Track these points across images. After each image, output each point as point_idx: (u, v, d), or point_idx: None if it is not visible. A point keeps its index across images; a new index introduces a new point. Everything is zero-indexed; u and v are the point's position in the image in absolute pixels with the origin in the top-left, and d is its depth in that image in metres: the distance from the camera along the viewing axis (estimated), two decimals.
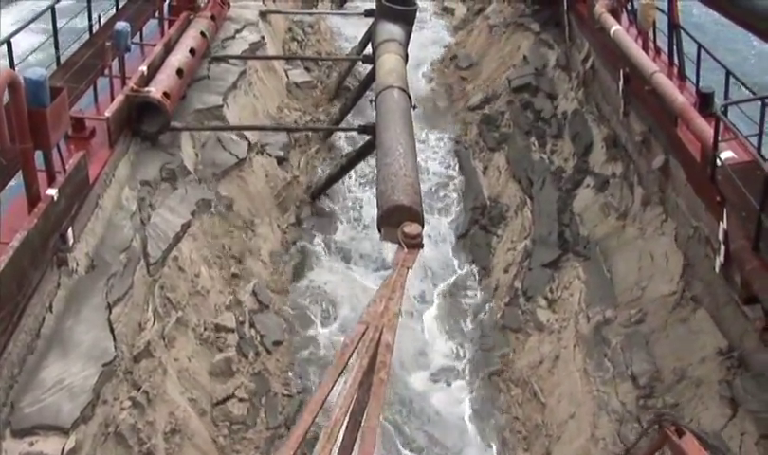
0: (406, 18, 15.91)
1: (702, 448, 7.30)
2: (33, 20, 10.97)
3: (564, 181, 14.45)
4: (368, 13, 18.31)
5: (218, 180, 13.12)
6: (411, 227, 7.56)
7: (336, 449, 5.66)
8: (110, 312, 9.01)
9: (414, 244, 7.54)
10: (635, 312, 11.10)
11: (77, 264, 9.01)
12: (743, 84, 10.13)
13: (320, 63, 20.26)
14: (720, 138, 9.33)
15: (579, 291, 12.15)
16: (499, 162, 16.32)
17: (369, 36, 17.25)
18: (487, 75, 19.65)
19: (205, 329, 10.87)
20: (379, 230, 9.96)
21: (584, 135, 14.72)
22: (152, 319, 9.88)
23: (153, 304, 10.04)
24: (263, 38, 17.42)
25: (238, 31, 16.83)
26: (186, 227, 11.52)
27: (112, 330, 8.88)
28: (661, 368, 10.19)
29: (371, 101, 13.58)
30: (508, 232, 14.49)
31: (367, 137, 14.11)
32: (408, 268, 7.39)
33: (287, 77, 18.65)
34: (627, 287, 11.56)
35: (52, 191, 8.54)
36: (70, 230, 8.86)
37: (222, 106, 14.13)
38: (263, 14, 18.69)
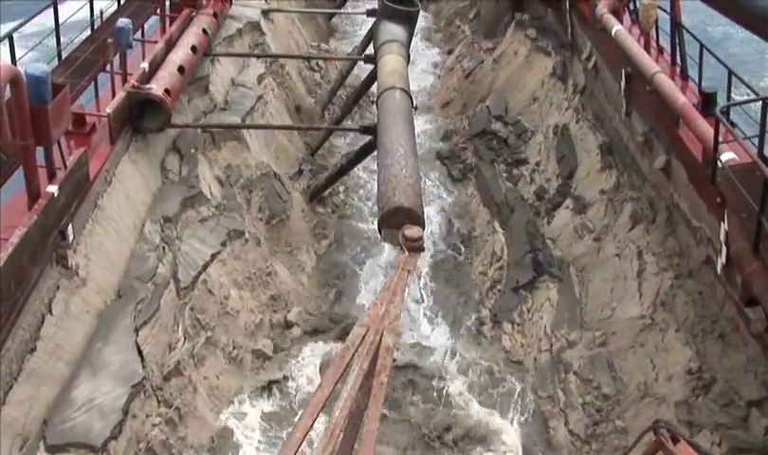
0: (408, 19, 15.91)
1: None
2: (36, 15, 10.93)
3: (545, 201, 14.52)
4: (370, 13, 18.31)
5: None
6: (412, 231, 7.55)
7: (335, 451, 5.65)
8: (137, 335, 9.25)
9: (415, 247, 7.54)
10: (600, 334, 11.27)
11: (77, 266, 8.99)
12: (746, 84, 10.04)
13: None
14: (722, 139, 9.31)
15: (548, 314, 12.21)
16: (467, 191, 16.33)
17: (370, 36, 17.24)
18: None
19: (234, 348, 11.10)
20: (380, 232, 9.97)
21: (570, 159, 14.72)
22: (182, 340, 10.16)
23: (183, 325, 10.32)
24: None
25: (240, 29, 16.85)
26: (216, 254, 11.78)
27: (140, 352, 9.14)
28: (622, 388, 10.43)
29: (372, 102, 13.60)
30: (481, 256, 14.34)
31: (368, 138, 14.11)
32: (409, 271, 7.38)
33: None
34: (597, 307, 11.73)
35: (53, 188, 8.50)
36: (70, 227, 8.83)
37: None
38: (265, 12, 18.67)
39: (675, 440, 7.38)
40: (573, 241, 13.27)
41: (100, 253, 9.58)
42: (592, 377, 10.74)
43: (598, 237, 12.80)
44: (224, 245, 12.03)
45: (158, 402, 9.13)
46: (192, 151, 12.62)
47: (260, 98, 15.65)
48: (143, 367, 9.00)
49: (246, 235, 12.63)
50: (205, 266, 11.34)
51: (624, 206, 12.62)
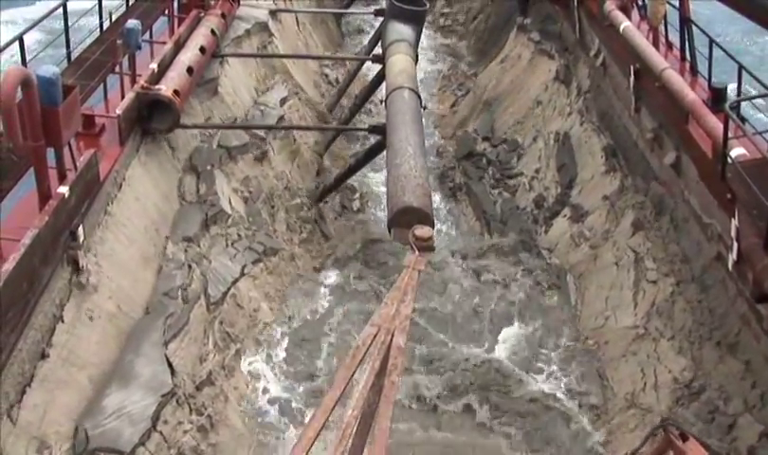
0: (416, 19, 15.89)
1: (705, 453, 7.29)
2: (45, 17, 10.98)
3: (544, 209, 14.47)
4: (378, 13, 18.30)
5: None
6: (422, 231, 7.51)
7: (347, 451, 5.64)
8: (166, 347, 9.46)
9: (426, 247, 7.50)
10: (593, 343, 11.30)
11: (89, 272, 9.04)
12: (757, 79, 9.93)
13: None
14: (732, 135, 9.24)
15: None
16: (460, 207, 16.29)
17: (378, 36, 17.23)
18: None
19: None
20: (389, 231, 9.98)
21: (570, 167, 14.65)
22: (212, 352, 10.36)
23: (213, 338, 10.52)
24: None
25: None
26: (246, 270, 11.98)
27: (170, 364, 9.34)
28: (611, 397, 10.50)
29: (380, 101, 13.60)
30: None
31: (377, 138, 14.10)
32: (419, 271, 7.35)
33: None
34: (592, 316, 11.78)
35: (63, 189, 8.53)
36: (81, 228, 8.86)
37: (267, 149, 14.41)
38: (273, 13, 18.67)
39: (684, 438, 7.38)
40: (570, 249, 13.26)
41: (111, 259, 9.66)
42: (582, 389, 10.80)
43: (596, 244, 12.80)
44: (255, 262, 12.23)
45: (190, 410, 9.32)
46: (209, 167, 12.67)
47: (281, 117, 15.61)
48: (173, 378, 9.23)
49: (277, 253, 12.82)
50: (234, 282, 11.55)
51: (626, 212, 12.61)
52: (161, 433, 8.70)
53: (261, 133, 14.41)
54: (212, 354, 10.34)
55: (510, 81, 18.62)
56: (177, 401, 9.11)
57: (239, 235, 12.35)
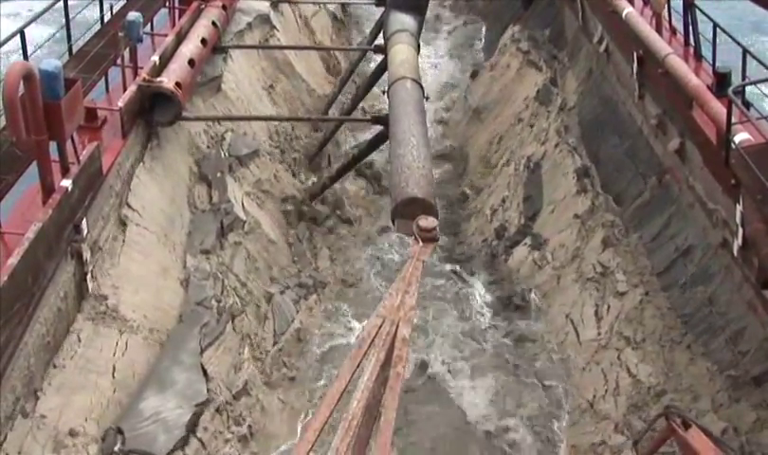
0: (418, 8, 15.85)
1: (708, 440, 7.33)
2: (46, 10, 10.95)
3: (504, 240, 14.46)
4: (379, 2, 18.23)
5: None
6: (426, 221, 7.50)
7: (353, 442, 5.65)
8: (202, 355, 9.62)
9: (430, 237, 7.49)
10: (557, 357, 11.57)
11: (99, 283, 9.15)
12: (762, 63, 9.78)
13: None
14: (737, 120, 9.15)
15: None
16: None
17: (380, 26, 17.17)
18: None
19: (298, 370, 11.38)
20: (393, 222, 9.96)
21: (536, 200, 14.63)
22: (248, 361, 10.50)
23: (249, 348, 10.70)
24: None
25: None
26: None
27: (205, 373, 9.47)
28: (574, 407, 10.74)
29: (383, 92, 13.57)
30: None
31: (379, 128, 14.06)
32: (423, 262, 7.35)
33: None
34: (554, 331, 12.04)
35: (66, 182, 8.54)
36: (84, 221, 8.87)
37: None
38: (274, 4, 18.62)
39: (687, 425, 7.42)
40: (533, 272, 13.36)
41: (128, 277, 9.75)
42: (542, 401, 10.96)
43: (562, 265, 12.92)
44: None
45: (228, 418, 9.46)
46: (219, 174, 12.69)
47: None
48: (207, 389, 9.35)
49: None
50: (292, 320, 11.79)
51: (596, 230, 12.72)
52: (200, 440, 8.86)
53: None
54: (248, 364, 10.42)
55: (499, 90, 18.52)
56: (217, 410, 9.27)
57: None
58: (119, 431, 8.29)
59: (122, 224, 10.05)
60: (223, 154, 13.28)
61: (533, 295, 12.86)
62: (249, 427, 9.63)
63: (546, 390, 11.20)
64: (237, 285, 11.38)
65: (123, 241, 9.95)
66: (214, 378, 9.55)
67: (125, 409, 8.55)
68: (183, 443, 8.60)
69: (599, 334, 11.37)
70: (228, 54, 15.15)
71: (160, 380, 9.06)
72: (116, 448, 8.09)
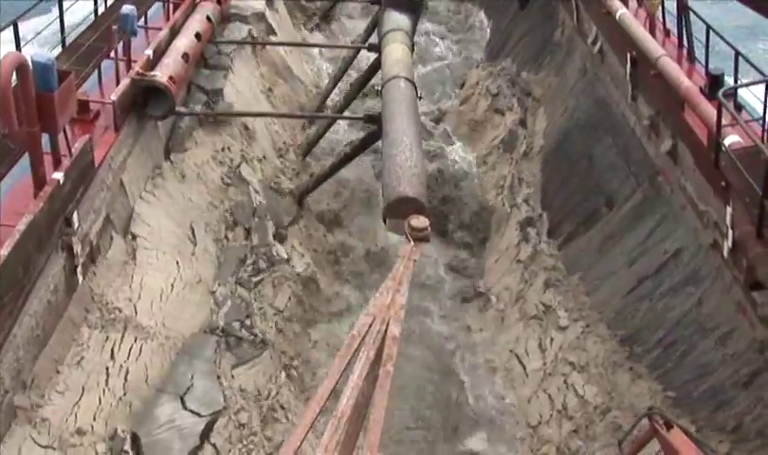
0: (413, 8, 15.86)
1: (689, 441, 7.42)
2: (40, 1, 10.89)
3: None
4: (374, 1, 18.23)
5: None
6: (418, 221, 7.52)
7: (341, 440, 5.67)
8: (219, 367, 9.72)
9: (421, 237, 7.52)
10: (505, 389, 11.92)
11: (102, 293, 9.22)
12: (754, 66, 9.78)
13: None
14: (727, 123, 9.21)
15: None
16: None
17: (374, 24, 17.18)
18: None
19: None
20: (384, 221, 9.98)
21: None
22: (281, 375, 10.69)
23: (281, 362, 10.91)
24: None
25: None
26: None
27: (221, 382, 9.50)
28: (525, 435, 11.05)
29: (377, 91, 13.58)
30: None
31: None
32: (414, 261, 7.38)
33: None
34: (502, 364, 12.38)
35: (58, 175, 8.51)
36: (75, 214, 8.85)
37: None
38: (269, 1, 18.59)
39: (669, 426, 7.51)
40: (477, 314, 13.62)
41: (145, 291, 9.91)
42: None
43: (503, 308, 13.24)
44: None
45: (261, 438, 9.49)
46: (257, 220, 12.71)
47: None
48: (224, 399, 9.36)
49: None
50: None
51: (539, 273, 13.06)
52: (214, 446, 8.86)
53: None
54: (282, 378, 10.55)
55: (468, 123, 18.70)
56: (240, 424, 9.27)
57: None
58: (135, 437, 8.31)
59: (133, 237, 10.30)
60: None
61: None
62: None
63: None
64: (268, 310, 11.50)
65: (135, 256, 10.15)
66: (247, 394, 9.65)
67: (140, 414, 8.58)
68: (199, 449, 8.64)
69: (545, 363, 11.73)
70: (229, 70, 15.04)
71: (176, 387, 9.10)
72: (125, 448, 8.11)
